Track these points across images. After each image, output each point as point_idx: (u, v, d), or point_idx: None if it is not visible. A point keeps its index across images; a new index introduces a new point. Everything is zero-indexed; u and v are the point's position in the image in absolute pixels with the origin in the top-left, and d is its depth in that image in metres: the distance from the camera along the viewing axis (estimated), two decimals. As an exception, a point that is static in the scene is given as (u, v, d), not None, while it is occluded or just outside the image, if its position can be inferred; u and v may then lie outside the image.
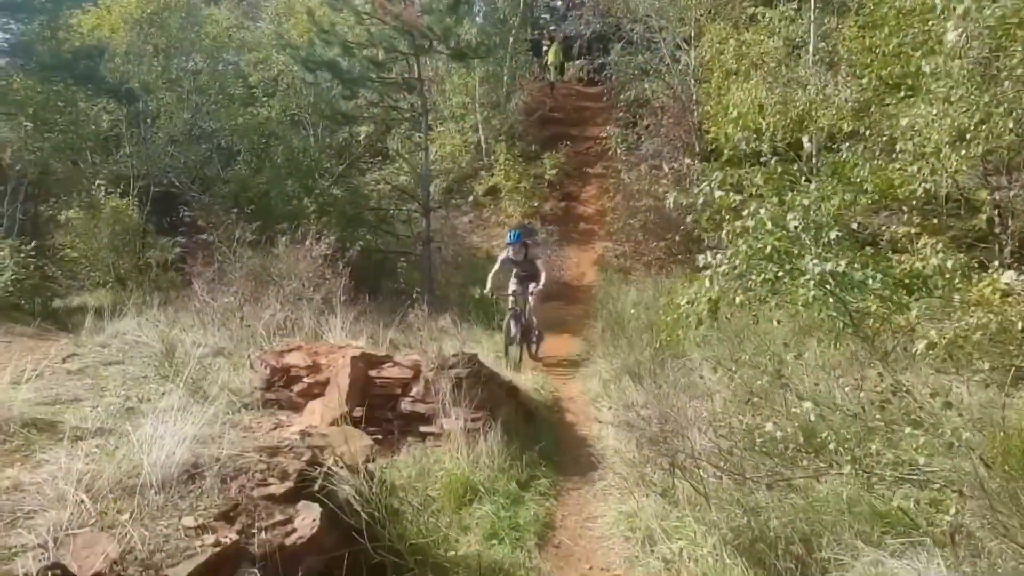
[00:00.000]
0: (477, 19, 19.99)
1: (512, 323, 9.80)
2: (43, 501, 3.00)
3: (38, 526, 2.80)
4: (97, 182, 14.31)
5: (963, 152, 5.32)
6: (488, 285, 10.06)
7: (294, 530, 3.10)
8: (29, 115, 14.39)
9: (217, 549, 2.75)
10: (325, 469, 3.55)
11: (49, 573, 2.45)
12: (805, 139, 11.07)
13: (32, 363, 5.98)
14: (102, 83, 15.14)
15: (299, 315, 8.83)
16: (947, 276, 3.74)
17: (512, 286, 10.17)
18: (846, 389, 4.68)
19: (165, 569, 2.63)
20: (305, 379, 6.54)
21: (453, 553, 4.20)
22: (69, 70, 14.72)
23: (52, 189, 15.88)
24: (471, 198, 18.78)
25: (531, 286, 10.01)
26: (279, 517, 3.13)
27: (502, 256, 10.28)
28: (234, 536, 2.87)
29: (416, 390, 6.29)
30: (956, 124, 5.59)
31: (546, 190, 18.77)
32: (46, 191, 15.88)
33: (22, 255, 11.97)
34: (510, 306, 9.97)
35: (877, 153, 6.40)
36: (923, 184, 6.32)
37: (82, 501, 2.94)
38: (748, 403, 5.12)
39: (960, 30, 3.74)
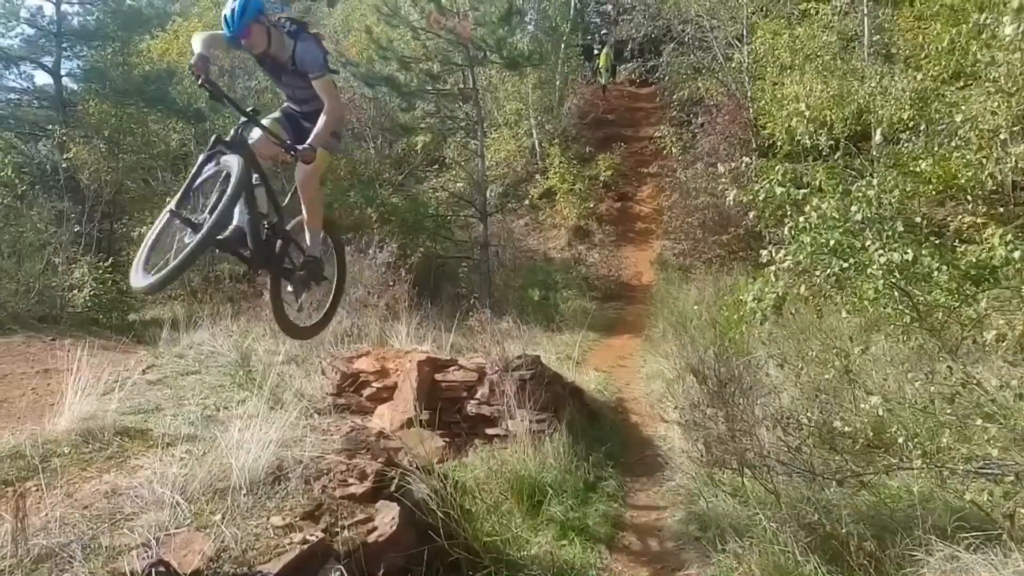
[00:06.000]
0: (529, 28, 20.10)
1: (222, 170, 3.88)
2: (142, 504, 3.18)
3: (139, 527, 2.98)
4: (168, 199, 14.91)
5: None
6: (198, 47, 3.95)
7: (375, 528, 3.24)
8: (104, 137, 15.10)
9: (305, 547, 2.91)
10: (401, 470, 3.69)
11: (154, 570, 2.62)
12: (876, 132, 10.90)
13: (115, 375, 6.24)
14: (171, 105, 15.83)
15: (365, 322, 9.05)
16: (1017, 266, 3.66)
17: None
18: (915, 383, 4.61)
19: (258, 566, 2.78)
20: (374, 384, 6.73)
21: (526, 552, 4.29)
22: (140, 93, 15.49)
23: (126, 207, 16.58)
24: (527, 202, 18.90)
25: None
26: (360, 516, 3.28)
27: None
28: (320, 534, 3.02)
29: (481, 392, 6.39)
30: (1016, 113, 5.45)
31: (601, 191, 18.77)
32: (120, 209, 16.60)
33: (100, 271, 12.53)
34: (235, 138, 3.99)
35: (938, 145, 6.26)
36: (988, 173, 6.17)
37: (178, 503, 3.12)
38: (815, 400, 5.07)
39: (1017, 24, 3.68)
